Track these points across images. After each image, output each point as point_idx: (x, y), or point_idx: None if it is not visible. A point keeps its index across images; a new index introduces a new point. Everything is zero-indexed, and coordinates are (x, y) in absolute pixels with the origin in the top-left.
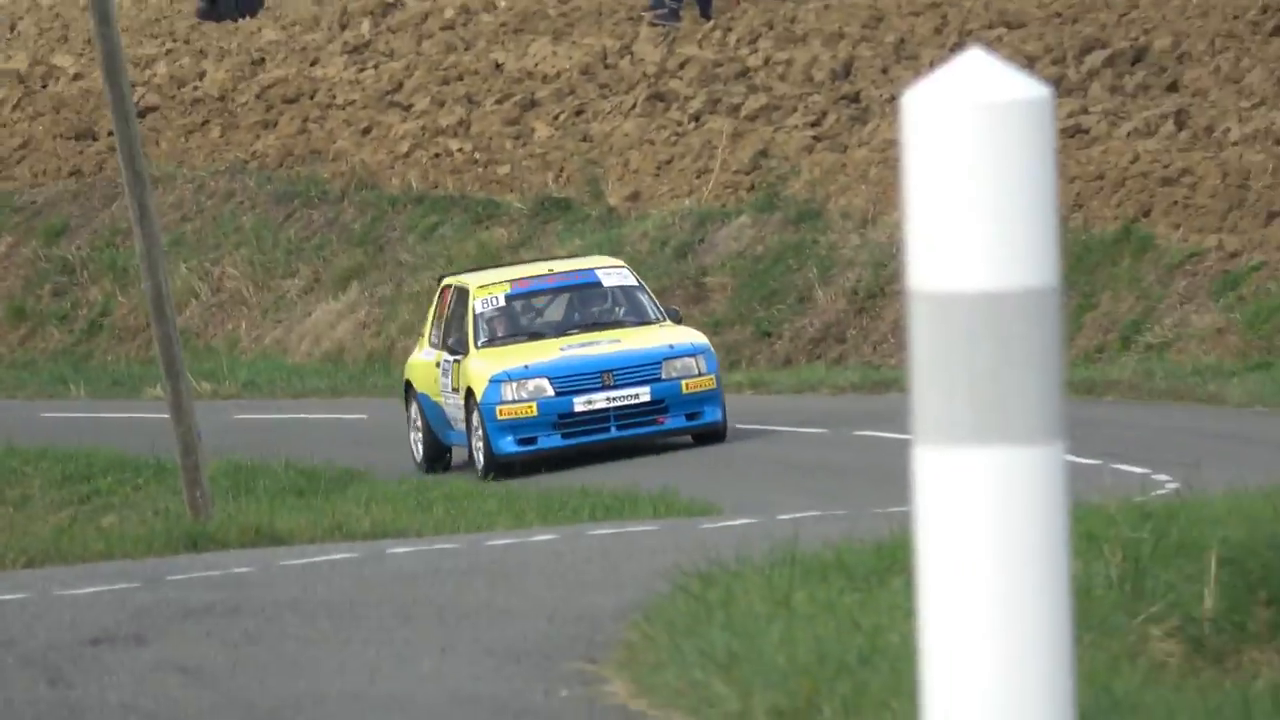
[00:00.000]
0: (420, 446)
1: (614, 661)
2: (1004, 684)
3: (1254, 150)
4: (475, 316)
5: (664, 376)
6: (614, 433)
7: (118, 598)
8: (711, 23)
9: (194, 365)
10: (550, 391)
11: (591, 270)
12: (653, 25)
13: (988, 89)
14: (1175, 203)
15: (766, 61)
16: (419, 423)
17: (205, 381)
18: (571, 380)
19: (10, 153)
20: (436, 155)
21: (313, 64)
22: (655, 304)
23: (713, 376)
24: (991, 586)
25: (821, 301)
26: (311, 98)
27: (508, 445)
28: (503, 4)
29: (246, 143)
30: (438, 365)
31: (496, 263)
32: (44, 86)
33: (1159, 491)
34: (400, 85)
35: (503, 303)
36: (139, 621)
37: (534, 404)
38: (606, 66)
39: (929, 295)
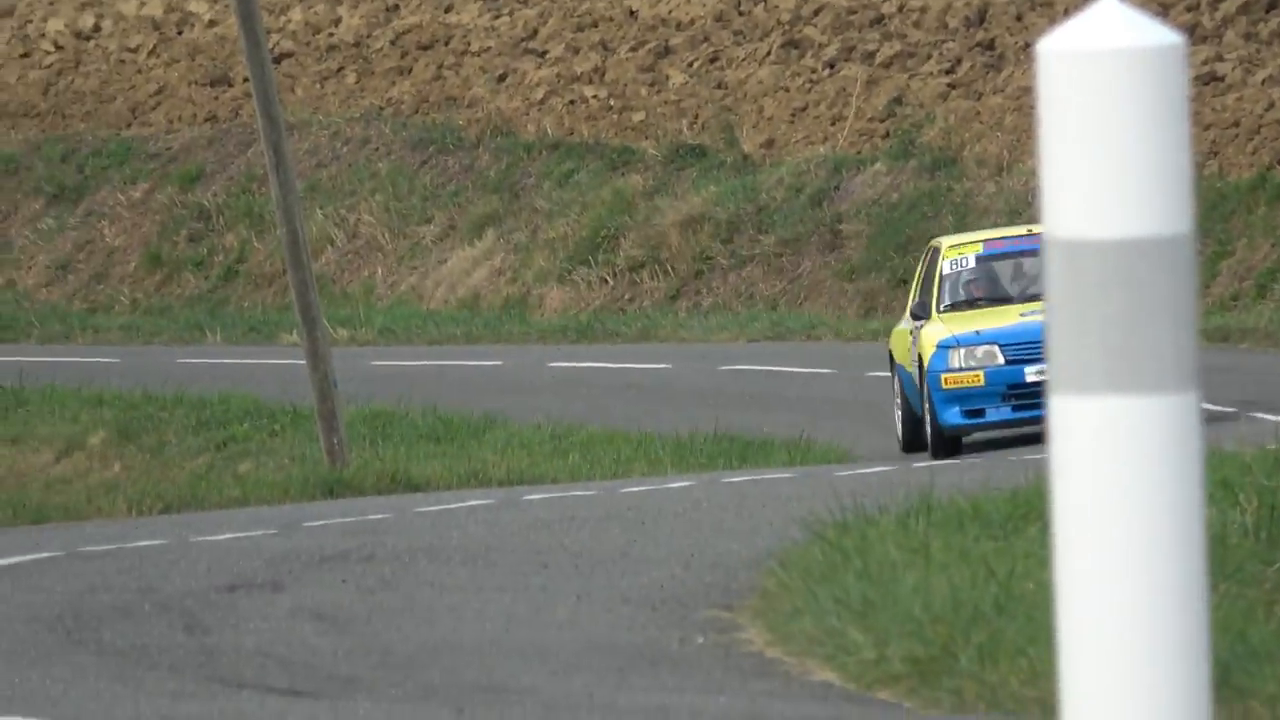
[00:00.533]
0: (900, 425)
1: (749, 609)
2: (1139, 633)
3: None
4: (941, 278)
5: None
6: None
7: (254, 544)
8: None
9: (330, 312)
10: (1000, 360)
11: None
12: None
13: (1121, 36)
14: None
15: (901, 8)
16: (899, 399)
17: (341, 328)
18: (1024, 348)
19: (146, 99)
20: (571, 102)
21: (447, 10)
22: None
23: None
24: (1126, 535)
25: None
26: (446, 44)
27: (954, 417)
28: None
29: (382, 89)
30: (910, 333)
31: (630, 209)
32: (179, 33)
33: None
34: (535, 32)
35: (973, 264)
36: (275, 568)
37: (981, 372)
38: (741, 13)
39: (1063, 242)
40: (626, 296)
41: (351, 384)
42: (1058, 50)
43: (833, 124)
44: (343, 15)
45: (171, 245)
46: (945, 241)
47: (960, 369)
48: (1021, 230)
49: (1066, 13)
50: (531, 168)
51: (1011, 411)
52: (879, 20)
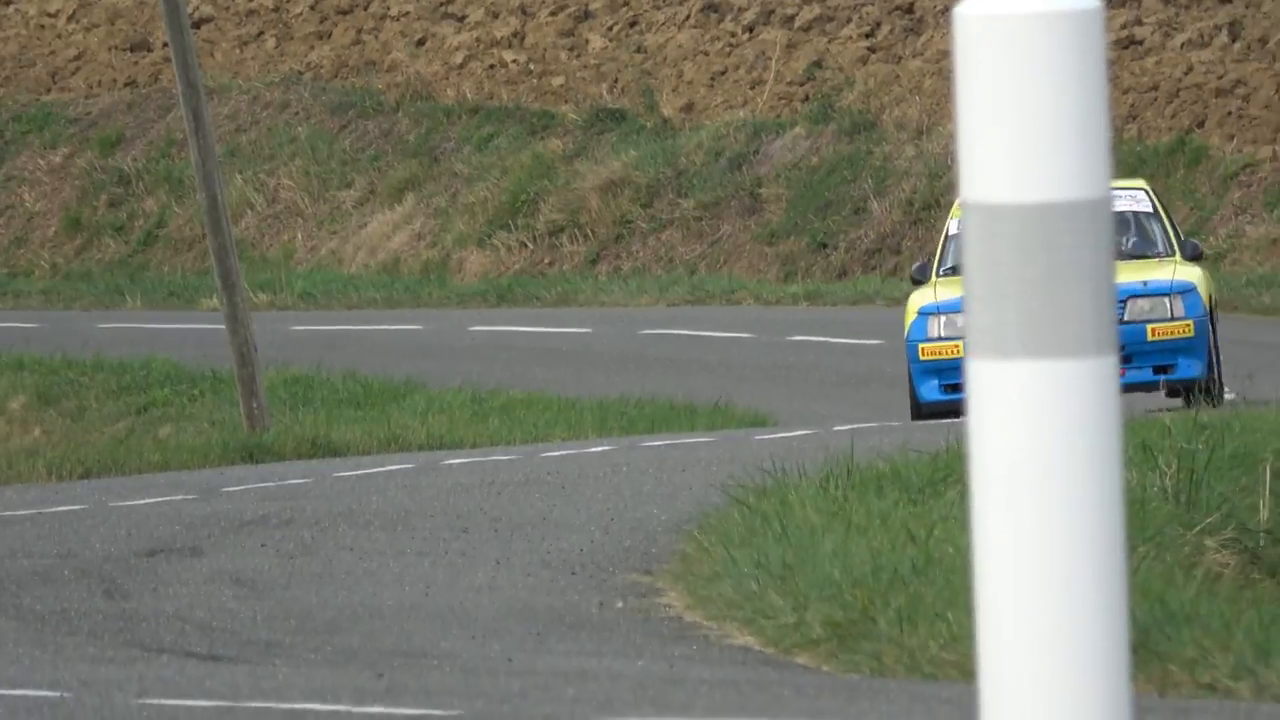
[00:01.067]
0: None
1: (669, 573)
2: (1058, 597)
3: None
4: (946, 239)
5: (1127, 318)
6: None
7: (174, 509)
8: None
9: (250, 276)
10: None
11: None
12: None
13: (1039, 0)
14: (1229, 114)
15: None
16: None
17: (261, 293)
18: None
19: (65, 64)
20: (491, 66)
21: None
22: (1171, 235)
23: (1191, 322)
24: (1044, 499)
25: (876, 213)
26: (366, 9)
27: (931, 390)
28: None
29: (301, 54)
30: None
31: (550, 173)
32: None
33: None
34: None
35: None
36: (195, 533)
37: (960, 343)
38: None
39: (981, 207)
40: (546, 260)
41: (271, 348)
42: (975, 14)
43: (752, 88)
44: None
45: (91, 210)
46: (958, 201)
47: (940, 338)
48: None
49: None
50: (451, 132)
51: None
52: None
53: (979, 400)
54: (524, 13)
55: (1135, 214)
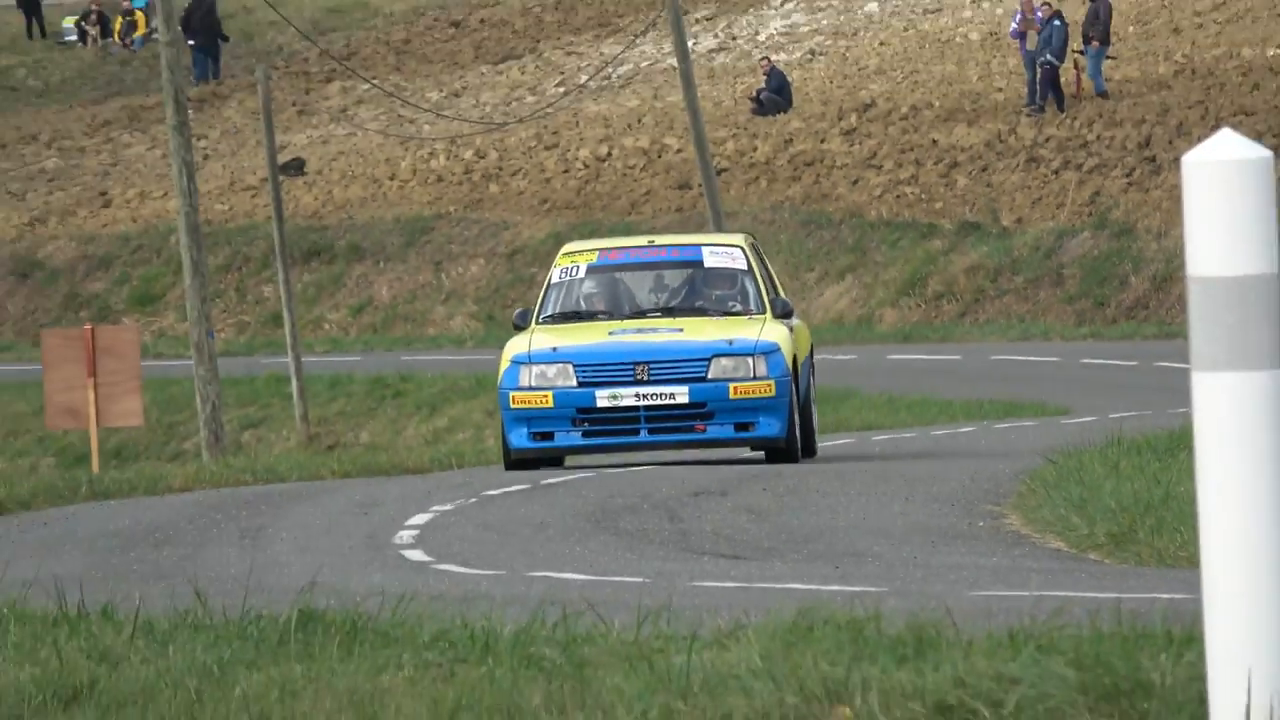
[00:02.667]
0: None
1: (1011, 504)
2: (1244, 518)
3: None
4: (549, 286)
5: (710, 376)
6: (644, 436)
7: (708, 470)
8: (1064, 113)
9: None
10: (573, 381)
11: (697, 247)
12: (1028, 115)
13: (1233, 151)
14: None
15: (1098, 137)
16: None
17: None
18: (599, 370)
19: (640, 196)
20: (897, 196)
21: (821, 140)
22: (766, 292)
23: (772, 382)
24: (1236, 458)
25: (1134, 284)
26: (822, 161)
27: (521, 438)
28: None
29: (781, 191)
30: None
31: (934, 260)
32: (659, 157)
33: None
34: (874, 154)
35: (582, 274)
36: (724, 482)
37: (550, 394)
38: (1001, 141)
39: (1199, 278)
40: (932, 315)
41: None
42: (1194, 160)
43: (1058, 208)
44: (758, 145)
45: None
46: (563, 249)
47: (530, 388)
48: (642, 241)
49: (1199, 139)
50: (875, 237)
51: (582, 438)
52: (1084, 144)
53: (1199, 398)
54: (918, 164)
55: (728, 270)
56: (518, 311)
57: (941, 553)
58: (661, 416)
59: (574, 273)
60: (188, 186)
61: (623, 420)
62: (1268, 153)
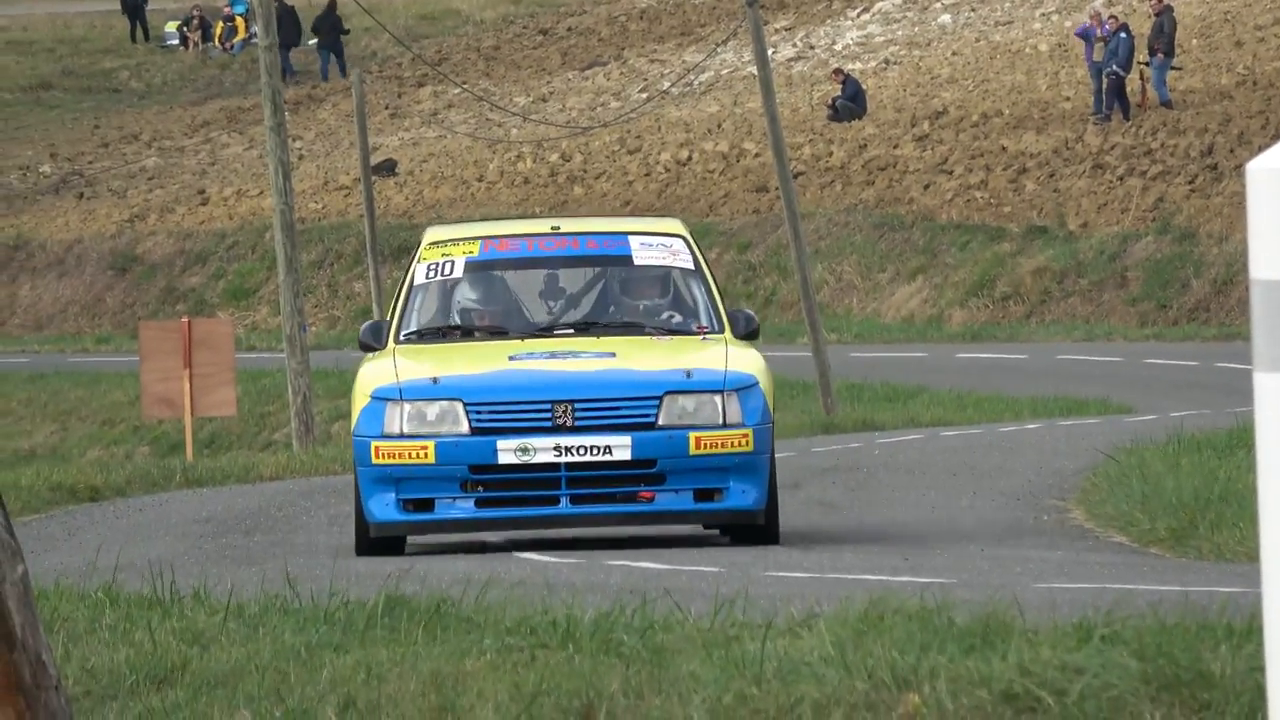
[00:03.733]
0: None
1: (1074, 499)
2: None
3: None
4: (410, 290)
5: (662, 422)
6: (566, 507)
7: (795, 461)
8: (1129, 122)
9: (825, 324)
10: (463, 427)
11: (624, 237)
12: (1095, 123)
13: None
14: None
15: (1162, 145)
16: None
17: (831, 334)
18: (502, 412)
19: (719, 198)
20: (968, 201)
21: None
22: (715, 302)
23: (749, 432)
24: None
25: (1195, 287)
26: (894, 166)
27: (385, 509)
28: None
29: (856, 194)
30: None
31: (1002, 263)
32: (738, 160)
33: None
34: (946, 158)
35: (459, 272)
36: (795, 475)
37: (431, 444)
38: (1068, 148)
39: (1262, 281)
40: (1000, 315)
41: (839, 368)
42: (1256, 167)
43: (1123, 213)
44: (834, 151)
45: (729, 287)
46: (428, 235)
47: (400, 436)
48: (543, 227)
49: (1260, 148)
50: (945, 239)
51: (475, 508)
52: (1147, 152)
53: (1261, 395)
54: (987, 169)
55: (667, 271)
56: (366, 325)
57: (1006, 545)
58: (591, 479)
59: (445, 270)
60: (283, 185)
61: (535, 484)
62: None
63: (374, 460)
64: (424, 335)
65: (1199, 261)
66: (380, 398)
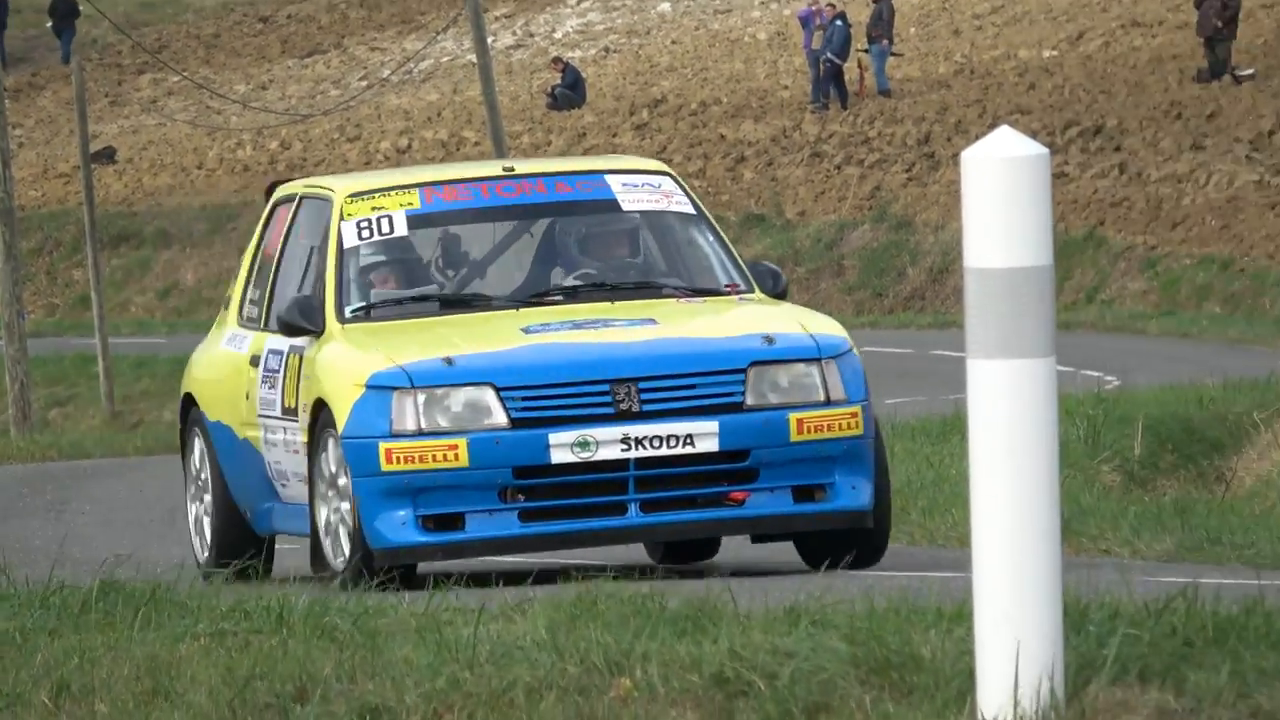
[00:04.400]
0: (207, 529)
1: None
2: (1014, 498)
3: (1165, 187)
4: (341, 255)
5: (751, 402)
6: (635, 517)
7: None
8: (846, 111)
9: None
10: (500, 418)
11: (599, 177)
12: (812, 112)
13: (1009, 148)
14: (1119, 217)
15: (879, 134)
16: (206, 480)
17: None
18: (550, 396)
19: None
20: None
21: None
22: (734, 255)
23: (858, 409)
24: (1007, 441)
25: (911, 275)
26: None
27: (398, 528)
28: None
29: None
30: (254, 362)
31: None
32: (458, 150)
33: (1108, 386)
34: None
35: (401, 230)
36: None
37: (462, 442)
38: (786, 136)
39: (976, 270)
40: None
41: None
42: (972, 156)
43: (840, 201)
44: (553, 139)
45: None
46: (336, 186)
47: (419, 434)
48: (496, 169)
49: (977, 136)
50: None
51: (519, 523)
52: (865, 140)
53: (974, 383)
54: (705, 158)
55: (664, 216)
56: (290, 302)
57: None
58: (666, 479)
59: (381, 228)
60: (3, 173)
61: (596, 489)
62: (1044, 150)
63: (384, 467)
64: (372, 309)
65: (915, 250)
66: (380, 386)
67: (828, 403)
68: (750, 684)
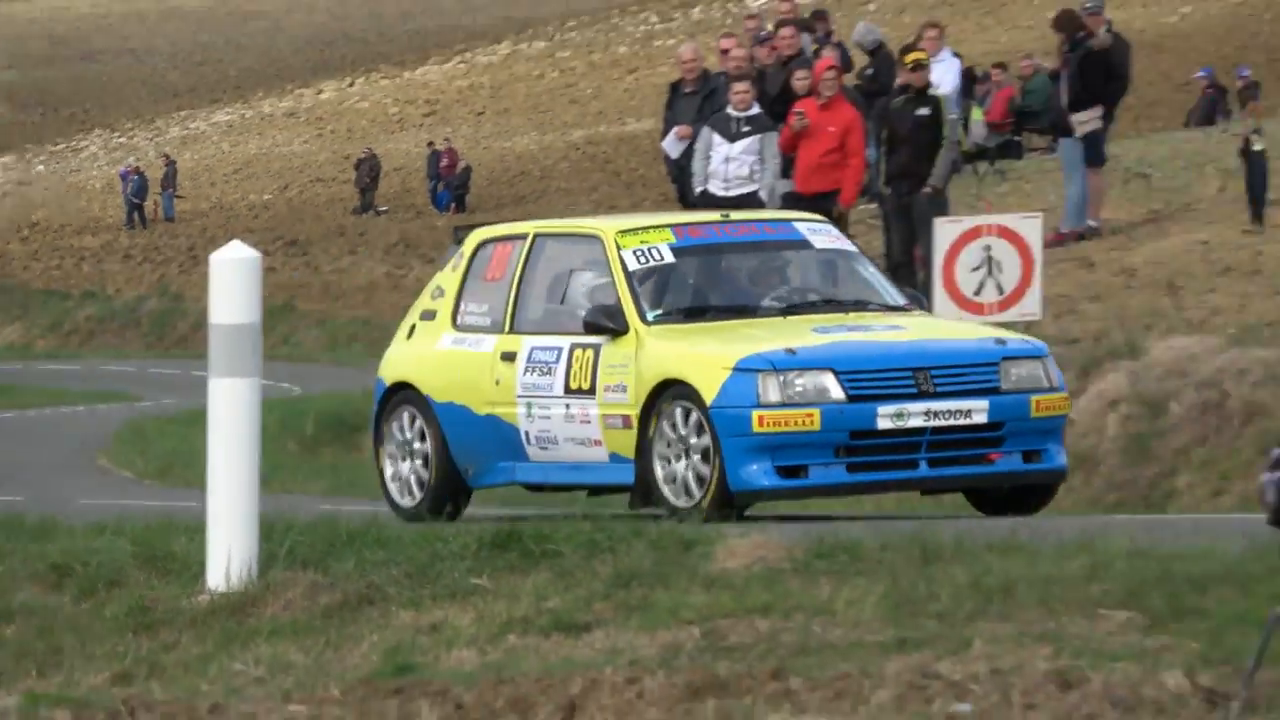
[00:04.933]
0: (414, 483)
1: (102, 454)
2: (229, 459)
3: (332, 275)
4: (628, 275)
5: (1004, 387)
6: (924, 470)
7: None
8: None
9: None
10: (840, 394)
11: (789, 224)
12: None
13: (239, 252)
14: (304, 293)
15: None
16: (423, 448)
17: None
18: (872, 378)
19: None
20: None
21: None
22: (890, 282)
23: (1066, 396)
24: (232, 425)
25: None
26: None
27: (758, 475)
28: None
29: None
30: (506, 357)
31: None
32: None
33: (294, 393)
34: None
35: (668, 258)
36: None
37: (816, 411)
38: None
39: (218, 325)
40: None
41: None
42: (217, 258)
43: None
44: None
45: None
46: (605, 228)
47: (781, 404)
48: (714, 216)
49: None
50: None
51: (846, 473)
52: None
53: (215, 395)
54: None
55: (844, 253)
56: (595, 307)
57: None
58: (948, 443)
59: (654, 256)
60: None
61: (901, 449)
62: (257, 254)
63: (755, 429)
64: (671, 316)
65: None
66: (747, 369)
67: (1051, 389)
68: (72, 569)
